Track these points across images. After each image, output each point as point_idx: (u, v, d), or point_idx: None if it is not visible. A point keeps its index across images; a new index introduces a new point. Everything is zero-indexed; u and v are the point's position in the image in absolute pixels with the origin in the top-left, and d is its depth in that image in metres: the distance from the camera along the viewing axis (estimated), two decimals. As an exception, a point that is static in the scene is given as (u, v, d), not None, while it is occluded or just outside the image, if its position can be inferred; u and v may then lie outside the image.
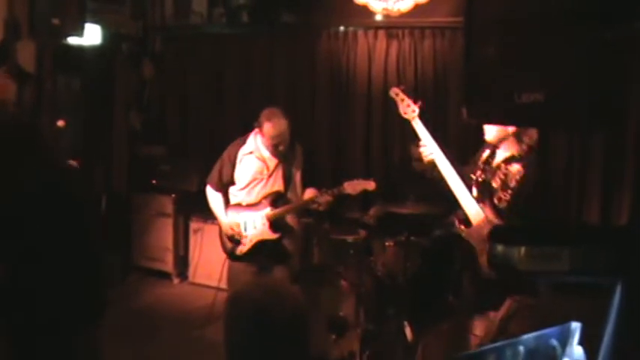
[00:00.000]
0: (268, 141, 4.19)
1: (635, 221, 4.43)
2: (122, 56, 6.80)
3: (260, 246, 4.28)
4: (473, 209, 3.69)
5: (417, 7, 5.65)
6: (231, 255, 4.42)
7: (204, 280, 6.14)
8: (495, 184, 3.75)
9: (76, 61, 6.13)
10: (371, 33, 6.07)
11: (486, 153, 3.90)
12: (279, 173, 4.29)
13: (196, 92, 6.86)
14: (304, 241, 5.09)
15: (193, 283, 6.37)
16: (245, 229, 4.30)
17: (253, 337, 1.81)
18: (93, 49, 6.18)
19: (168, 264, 6.54)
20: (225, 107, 6.73)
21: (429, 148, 3.83)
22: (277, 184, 4.28)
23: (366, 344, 4.35)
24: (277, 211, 4.22)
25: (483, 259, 3.57)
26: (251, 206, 4.29)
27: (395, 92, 4.10)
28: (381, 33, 6.03)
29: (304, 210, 4.53)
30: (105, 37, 6.26)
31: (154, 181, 6.67)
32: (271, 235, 4.25)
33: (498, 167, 3.78)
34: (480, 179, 3.82)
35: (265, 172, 4.27)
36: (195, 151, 6.87)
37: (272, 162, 4.28)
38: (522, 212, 3.59)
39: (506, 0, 2.15)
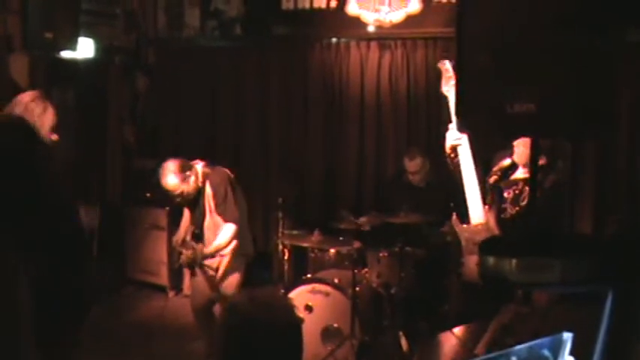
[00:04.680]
0: None
1: (626, 229, 4.45)
2: (115, 69, 6.81)
3: None
4: (477, 209, 3.64)
5: (408, 18, 5.69)
6: None
7: (198, 293, 6.11)
8: (507, 195, 3.74)
9: (70, 74, 6.13)
10: (363, 44, 6.10)
11: (507, 161, 3.89)
12: None
13: (190, 105, 6.87)
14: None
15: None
16: None
17: (246, 350, 1.80)
18: (86, 63, 6.18)
19: (163, 277, 6.51)
20: (219, 119, 6.74)
21: (458, 134, 3.60)
22: None
23: (361, 355, 4.35)
24: None
25: (470, 260, 3.56)
26: None
27: (445, 66, 3.81)
28: (374, 44, 6.06)
29: None
30: (98, 50, 6.26)
31: (148, 194, 6.65)
32: None
33: (516, 182, 3.79)
34: (493, 184, 3.81)
35: None
36: (189, 163, 6.86)
37: None
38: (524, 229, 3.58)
39: (496, 12, 2.17)
